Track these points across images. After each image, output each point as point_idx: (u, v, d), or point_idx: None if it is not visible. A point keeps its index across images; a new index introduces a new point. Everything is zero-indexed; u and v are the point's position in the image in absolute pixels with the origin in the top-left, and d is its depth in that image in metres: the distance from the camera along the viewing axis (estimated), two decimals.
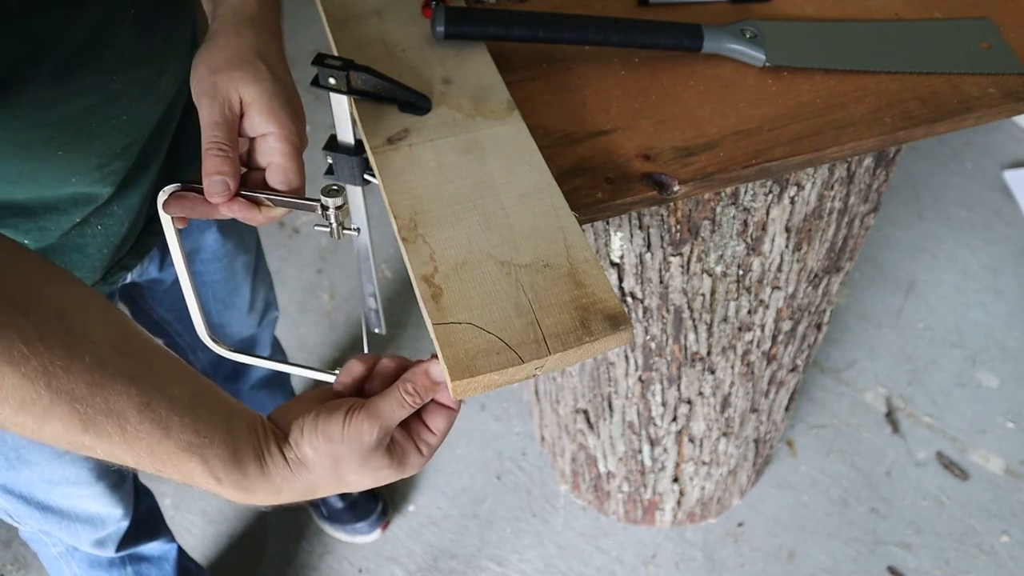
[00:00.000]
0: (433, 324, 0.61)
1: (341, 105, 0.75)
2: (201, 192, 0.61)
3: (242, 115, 0.63)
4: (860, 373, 1.78)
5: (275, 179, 0.63)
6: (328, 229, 0.64)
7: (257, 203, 0.62)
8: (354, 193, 0.84)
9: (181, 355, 1.29)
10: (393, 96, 0.75)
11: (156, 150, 0.80)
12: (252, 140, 0.65)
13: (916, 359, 1.80)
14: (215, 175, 0.60)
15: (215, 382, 0.58)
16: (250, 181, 0.64)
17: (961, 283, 1.92)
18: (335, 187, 0.63)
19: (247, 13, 0.68)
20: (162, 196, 0.62)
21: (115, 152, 0.72)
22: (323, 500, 1.55)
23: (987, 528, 1.56)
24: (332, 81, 0.72)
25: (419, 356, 1.85)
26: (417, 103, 0.76)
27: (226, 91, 0.63)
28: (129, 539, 1.12)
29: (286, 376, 1.42)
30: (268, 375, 1.33)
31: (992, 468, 1.64)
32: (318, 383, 1.55)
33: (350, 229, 0.65)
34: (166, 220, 0.63)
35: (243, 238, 1.08)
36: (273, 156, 0.63)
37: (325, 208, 0.62)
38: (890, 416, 1.71)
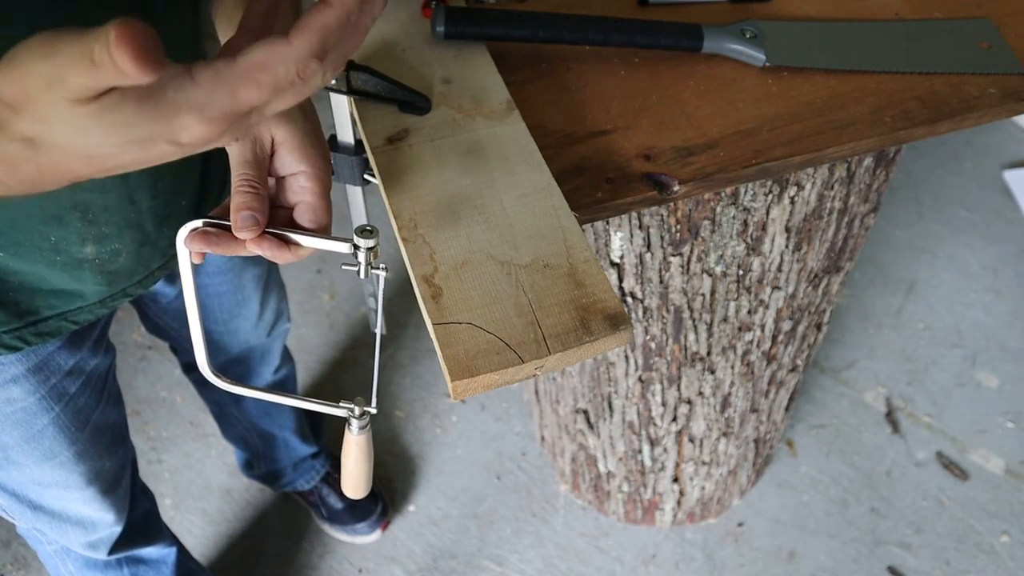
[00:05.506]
0: (433, 324, 0.61)
1: (341, 105, 0.76)
2: (225, 228, 0.61)
3: (272, 154, 0.64)
4: (860, 373, 1.78)
5: (304, 217, 0.63)
6: (356, 268, 0.63)
7: (285, 241, 0.62)
8: (354, 193, 0.85)
9: (188, 359, 1.29)
10: (393, 96, 0.75)
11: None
12: (279, 180, 0.65)
13: (916, 359, 1.80)
14: (245, 210, 0.60)
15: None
16: (276, 220, 0.64)
17: (961, 283, 1.92)
18: (368, 228, 0.62)
19: None
20: (184, 231, 0.62)
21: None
22: (323, 500, 1.55)
23: (987, 528, 1.56)
24: (332, 81, 0.72)
25: (419, 356, 1.85)
26: (417, 103, 0.76)
27: (258, 130, 0.63)
28: (122, 544, 1.12)
29: (293, 383, 1.42)
30: (276, 381, 1.33)
31: (992, 468, 1.64)
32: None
33: (378, 269, 0.64)
34: (183, 255, 0.63)
35: None
36: (303, 195, 0.63)
37: (357, 248, 0.62)
38: (890, 416, 1.71)
